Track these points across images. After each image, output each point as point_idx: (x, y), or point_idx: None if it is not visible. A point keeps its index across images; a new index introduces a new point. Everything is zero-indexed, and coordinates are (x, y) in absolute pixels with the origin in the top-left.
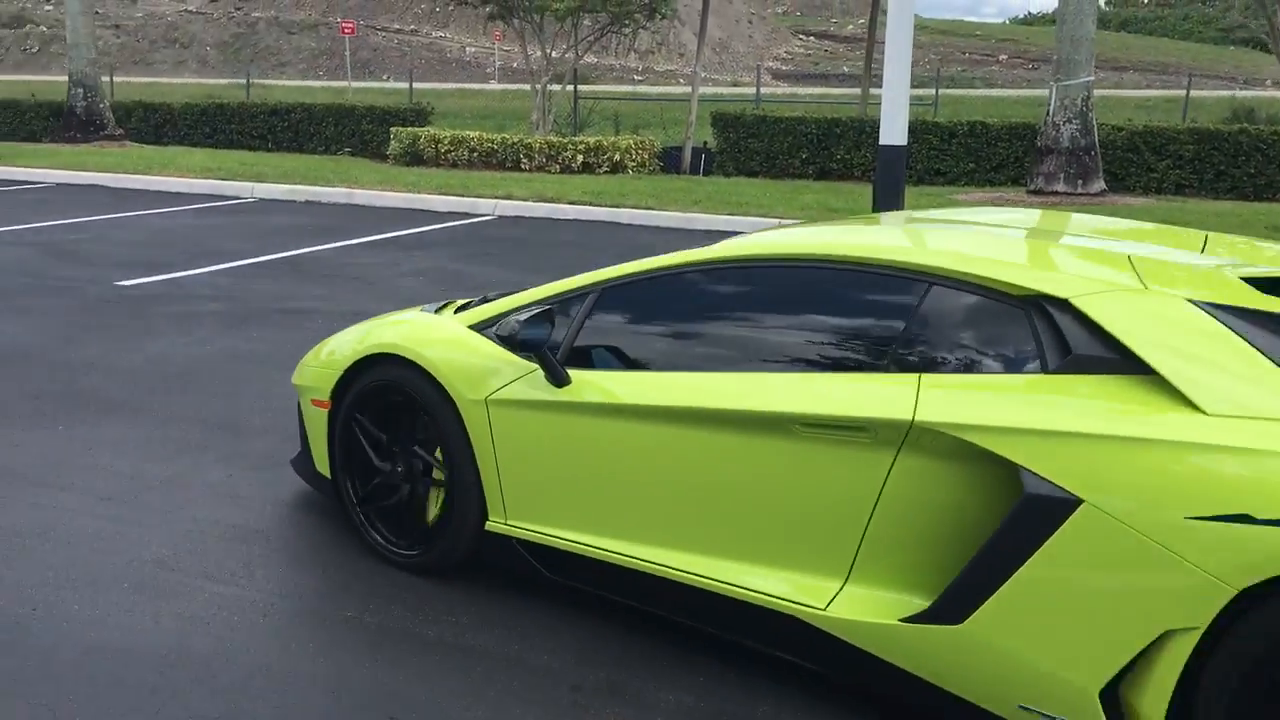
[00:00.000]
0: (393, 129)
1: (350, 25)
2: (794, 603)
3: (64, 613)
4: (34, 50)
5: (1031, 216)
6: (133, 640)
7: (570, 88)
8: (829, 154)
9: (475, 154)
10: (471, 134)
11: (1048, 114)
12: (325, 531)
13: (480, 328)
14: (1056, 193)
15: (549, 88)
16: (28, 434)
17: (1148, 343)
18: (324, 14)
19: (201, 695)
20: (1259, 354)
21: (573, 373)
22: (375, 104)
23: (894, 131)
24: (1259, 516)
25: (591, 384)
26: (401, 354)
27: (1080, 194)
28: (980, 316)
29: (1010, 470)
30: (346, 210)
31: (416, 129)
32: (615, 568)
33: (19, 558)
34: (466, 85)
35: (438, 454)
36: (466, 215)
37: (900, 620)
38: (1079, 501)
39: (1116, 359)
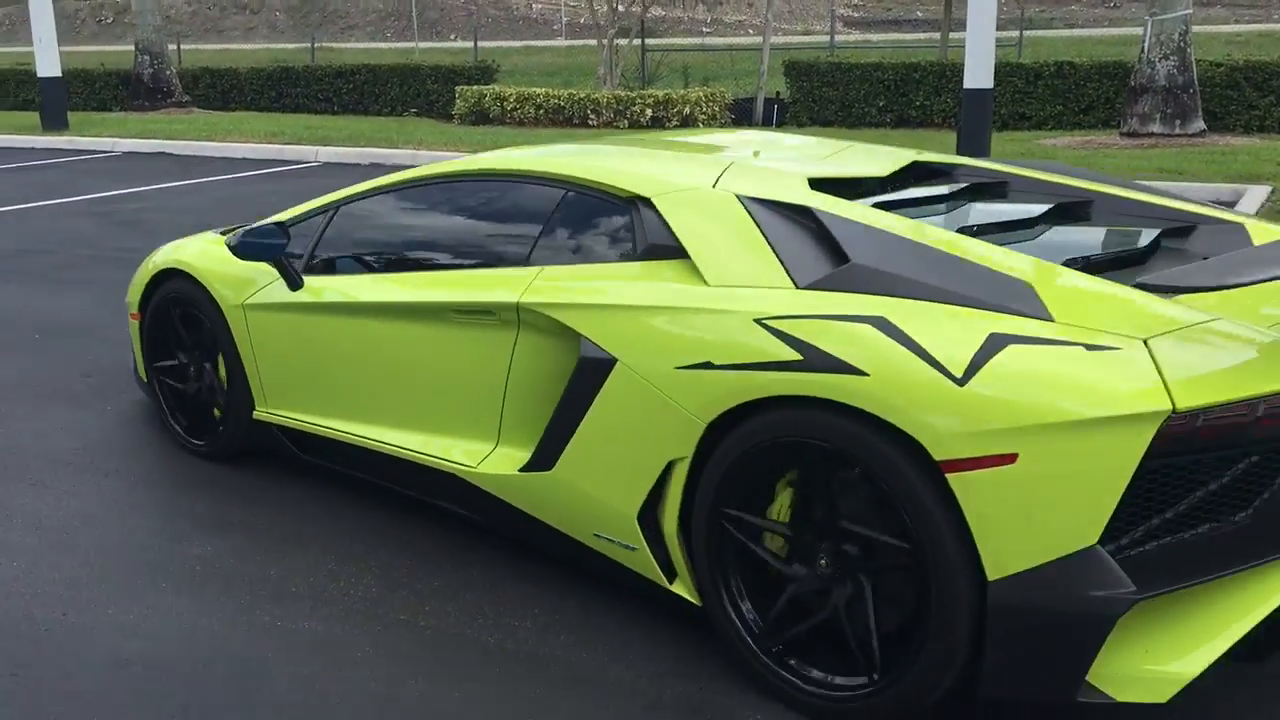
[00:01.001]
0: (458, 88)
1: None
2: (457, 464)
3: (96, 618)
4: (108, 21)
5: (740, 136)
6: (166, 651)
7: (637, 41)
8: (907, 100)
9: (541, 111)
10: (538, 91)
11: (1142, 51)
12: (375, 535)
13: None
14: (1152, 134)
15: (615, 41)
16: (75, 414)
17: (688, 231)
18: None
19: (237, 716)
20: (763, 237)
21: (308, 278)
22: (440, 63)
23: (979, 74)
24: (716, 363)
25: (319, 287)
26: (183, 269)
27: (1178, 134)
28: (600, 215)
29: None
30: None
31: (482, 87)
32: (342, 444)
33: (55, 552)
34: (532, 42)
35: (219, 355)
36: None
37: (518, 471)
38: (614, 360)
39: (675, 246)
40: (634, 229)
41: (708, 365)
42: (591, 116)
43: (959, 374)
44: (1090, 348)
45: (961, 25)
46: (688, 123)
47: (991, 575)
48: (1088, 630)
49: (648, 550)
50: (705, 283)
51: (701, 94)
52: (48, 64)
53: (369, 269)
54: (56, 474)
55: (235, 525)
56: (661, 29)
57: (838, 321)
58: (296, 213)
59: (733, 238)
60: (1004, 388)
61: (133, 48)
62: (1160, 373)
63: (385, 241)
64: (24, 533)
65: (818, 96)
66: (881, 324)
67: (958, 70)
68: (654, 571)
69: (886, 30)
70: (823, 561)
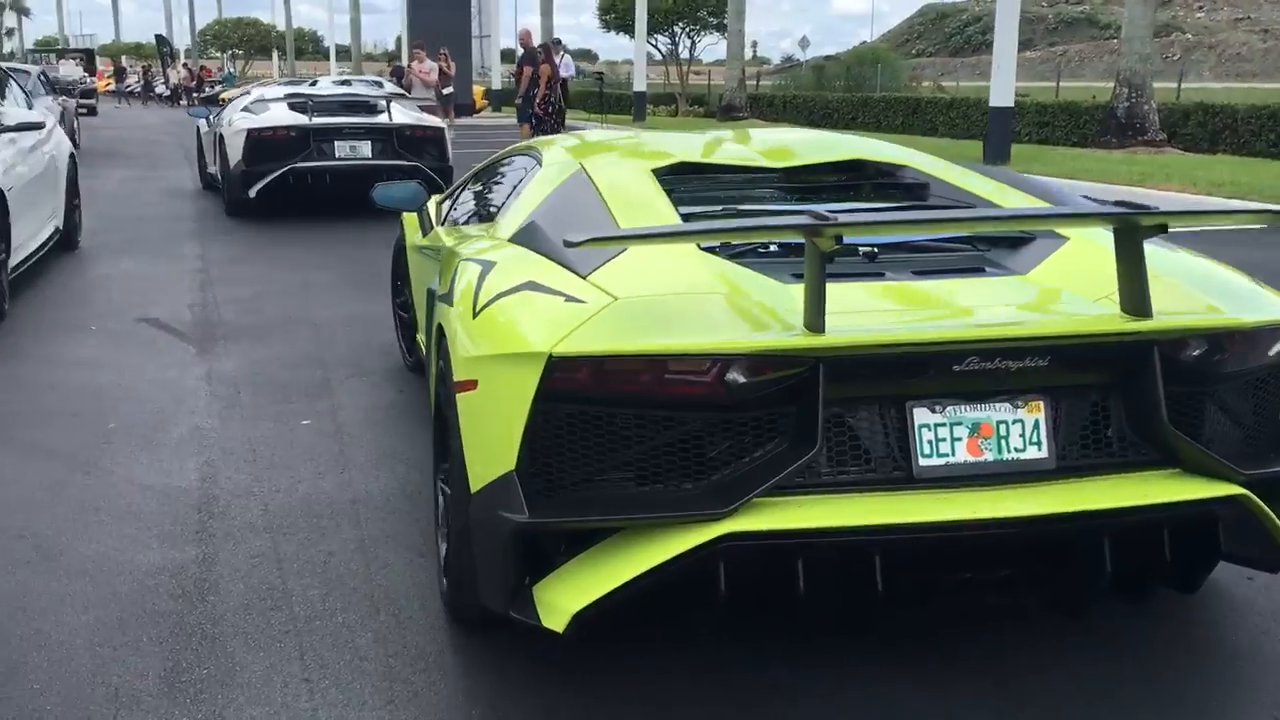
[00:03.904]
0: None
1: None
2: None
3: None
4: (1175, 57)
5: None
6: None
7: None
8: None
9: None
10: None
11: None
12: None
13: None
14: None
15: None
16: None
17: (526, 192)
18: None
19: None
20: (544, 198)
21: (438, 228)
22: None
23: None
24: (437, 292)
25: (437, 233)
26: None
27: None
28: None
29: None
30: None
31: None
32: None
33: None
34: None
35: None
36: None
37: None
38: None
39: None
40: None
41: (433, 293)
42: None
43: (479, 307)
44: (569, 299)
45: None
46: None
47: (472, 489)
48: (497, 547)
49: None
50: (493, 236)
51: None
52: (1001, 94)
53: (463, 221)
54: None
55: None
56: None
57: (469, 263)
58: (460, 181)
59: (534, 199)
60: (488, 323)
61: (1195, 84)
62: (582, 324)
63: (468, 203)
64: None
65: None
66: (485, 265)
67: None
68: None
69: None
70: None
